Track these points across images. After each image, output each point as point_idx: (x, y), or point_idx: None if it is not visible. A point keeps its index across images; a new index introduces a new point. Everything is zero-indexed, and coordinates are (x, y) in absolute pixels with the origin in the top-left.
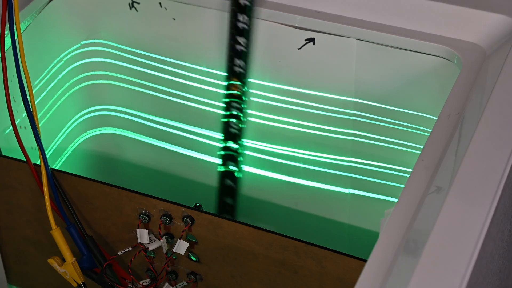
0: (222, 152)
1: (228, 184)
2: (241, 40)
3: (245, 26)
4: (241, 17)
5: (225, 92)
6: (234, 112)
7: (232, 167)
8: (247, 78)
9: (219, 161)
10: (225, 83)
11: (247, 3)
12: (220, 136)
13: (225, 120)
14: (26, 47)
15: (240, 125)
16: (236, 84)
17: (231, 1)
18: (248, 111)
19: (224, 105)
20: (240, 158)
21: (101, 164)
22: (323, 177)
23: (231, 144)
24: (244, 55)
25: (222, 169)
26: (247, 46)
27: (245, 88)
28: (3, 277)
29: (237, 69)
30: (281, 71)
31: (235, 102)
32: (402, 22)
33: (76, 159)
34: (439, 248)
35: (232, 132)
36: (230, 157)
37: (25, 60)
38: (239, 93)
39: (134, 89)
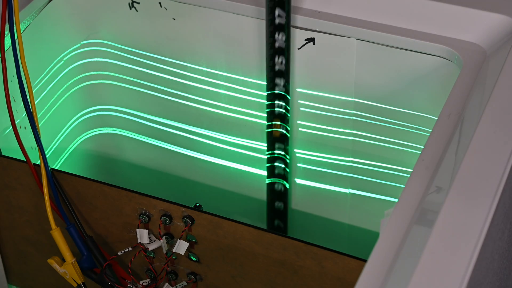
0: (269, 164)
1: (278, 205)
2: (279, 59)
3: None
4: (278, 36)
5: (267, 102)
6: (279, 122)
7: (280, 180)
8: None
9: (221, 161)
10: (267, 92)
11: (283, 22)
12: (221, 136)
13: (271, 130)
14: (26, 47)
15: (287, 134)
16: (280, 94)
17: (267, 22)
18: (248, 111)
19: (268, 115)
20: (288, 169)
21: (101, 164)
22: (323, 177)
23: (279, 151)
24: (284, 73)
25: (269, 180)
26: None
27: (289, 97)
28: (3, 277)
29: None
30: None
31: (279, 111)
32: (402, 22)
33: (76, 159)
34: (439, 248)
35: (279, 140)
36: (278, 167)
37: (25, 60)
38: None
39: (134, 89)
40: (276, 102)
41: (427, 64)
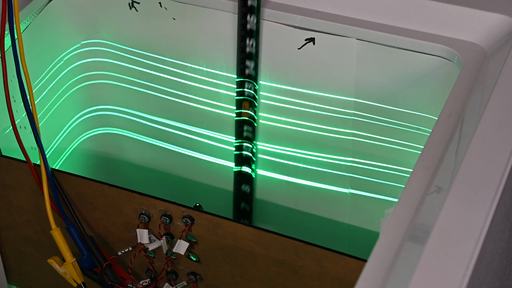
0: (237, 152)
1: (244, 189)
2: (250, 41)
3: (253, 27)
4: (249, 18)
5: (237, 90)
6: (247, 111)
7: (247, 169)
8: (258, 78)
9: (221, 161)
10: (236, 83)
11: (254, 4)
12: (221, 136)
13: (239, 118)
14: (26, 47)
15: (254, 125)
16: (248, 83)
17: (239, 2)
18: None
19: (237, 105)
20: (254, 159)
21: (101, 164)
22: (323, 177)
23: (246, 144)
24: (253, 56)
25: (237, 169)
26: (256, 47)
27: (257, 87)
28: (3, 277)
29: (248, 70)
30: (281, 71)
31: (248, 102)
32: (402, 22)
33: (76, 159)
34: (439, 248)
35: (245, 134)
36: (246, 158)
37: (25, 60)
38: (252, 94)
39: (134, 89)
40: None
41: (427, 64)
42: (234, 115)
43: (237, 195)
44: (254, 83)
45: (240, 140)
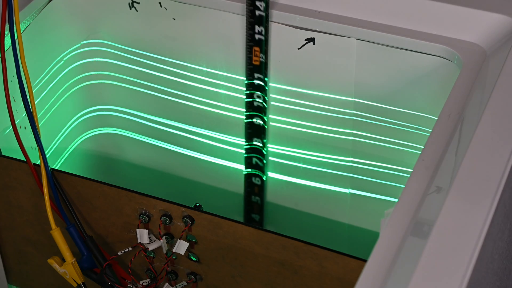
0: (247, 154)
1: (256, 183)
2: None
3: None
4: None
5: (246, 92)
6: (257, 113)
7: (257, 168)
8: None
9: (221, 161)
10: (246, 83)
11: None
12: (221, 136)
13: (249, 120)
14: (26, 47)
15: (264, 125)
16: (258, 84)
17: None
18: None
19: (247, 105)
20: (264, 160)
21: (101, 164)
22: (323, 177)
23: (256, 143)
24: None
25: (247, 171)
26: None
27: (267, 87)
28: (3, 277)
29: (257, 80)
30: (281, 71)
31: (257, 102)
32: (402, 22)
33: (76, 159)
34: (439, 248)
35: (256, 132)
36: (256, 157)
37: (25, 60)
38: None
39: (134, 89)
40: (256, 92)
41: (427, 64)
42: (234, 115)
43: (247, 198)
44: (264, 85)
45: (249, 143)
